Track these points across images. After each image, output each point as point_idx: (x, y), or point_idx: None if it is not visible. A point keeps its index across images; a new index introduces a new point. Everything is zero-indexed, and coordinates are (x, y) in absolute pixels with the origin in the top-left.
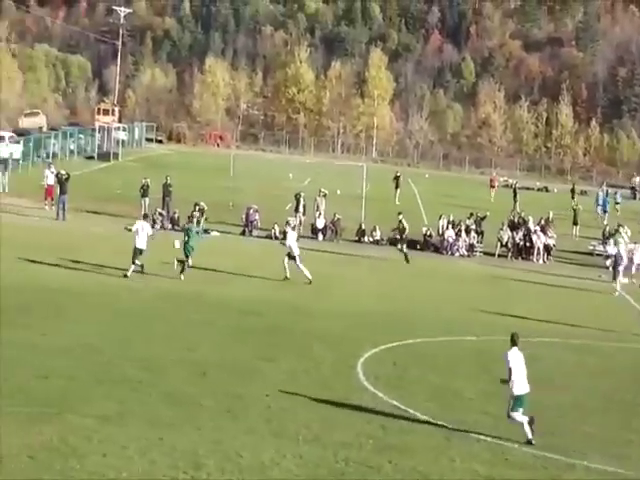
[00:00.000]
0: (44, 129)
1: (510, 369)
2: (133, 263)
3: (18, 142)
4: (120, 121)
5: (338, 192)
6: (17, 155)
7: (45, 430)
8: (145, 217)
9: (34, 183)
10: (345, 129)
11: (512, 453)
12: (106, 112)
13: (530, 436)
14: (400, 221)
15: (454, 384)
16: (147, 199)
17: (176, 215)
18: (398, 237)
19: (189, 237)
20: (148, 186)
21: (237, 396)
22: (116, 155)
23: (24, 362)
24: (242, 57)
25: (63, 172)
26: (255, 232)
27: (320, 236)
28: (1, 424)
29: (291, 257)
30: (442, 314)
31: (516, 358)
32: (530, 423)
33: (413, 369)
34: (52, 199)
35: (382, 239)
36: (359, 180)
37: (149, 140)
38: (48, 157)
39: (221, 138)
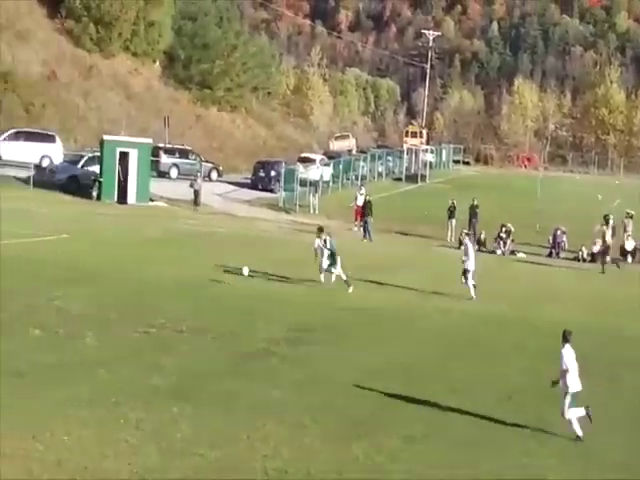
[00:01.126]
0: (353, 152)
1: (566, 367)
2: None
3: (328, 165)
4: (428, 143)
5: None
6: (327, 177)
7: (354, 448)
8: (321, 230)
9: (343, 205)
10: None
11: None
12: (414, 134)
13: (580, 433)
14: (603, 234)
15: None
16: (454, 220)
17: (482, 236)
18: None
19: (333, 253)
20: (455, 207)
21: (543, 420)
22: (423, 177)
23: (335, 379)
24: (551, 78)
25: (369, 197)
26: (562, 254)
27: (629, 258)
28: (309, 442)
29: (465, 272)
30: None
31: (570, 355)
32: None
33: None
34: (361, 220)
35: None
36: None
37: (456, 162)
38: (357, 179)
39: (529, 160)
